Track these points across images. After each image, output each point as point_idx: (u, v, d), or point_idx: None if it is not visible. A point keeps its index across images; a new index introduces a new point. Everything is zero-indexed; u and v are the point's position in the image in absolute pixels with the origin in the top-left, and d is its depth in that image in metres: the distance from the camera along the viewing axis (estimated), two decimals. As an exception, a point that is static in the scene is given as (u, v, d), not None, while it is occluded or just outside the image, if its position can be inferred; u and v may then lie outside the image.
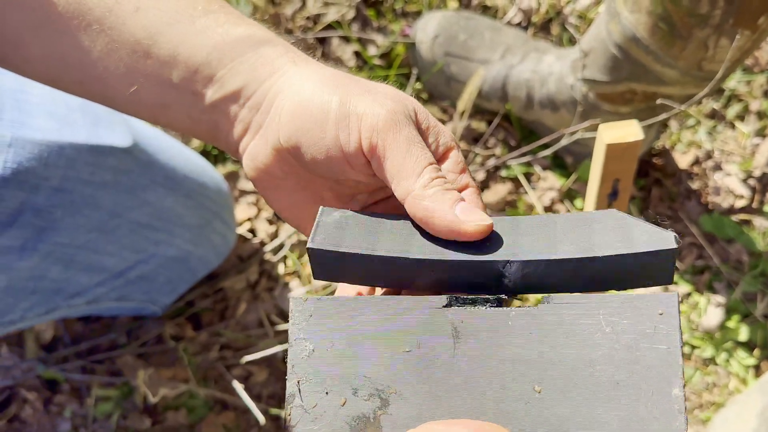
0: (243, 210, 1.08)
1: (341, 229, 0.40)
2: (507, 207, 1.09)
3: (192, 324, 1.03)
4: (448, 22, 1.09)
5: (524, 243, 0.37)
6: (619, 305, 0.34)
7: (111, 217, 0.79)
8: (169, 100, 0.47)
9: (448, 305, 0.37)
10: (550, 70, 1.03)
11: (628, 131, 0.66)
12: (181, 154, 0.87)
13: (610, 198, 0.72)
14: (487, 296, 0.37)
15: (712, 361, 1.02)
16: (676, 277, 1.06)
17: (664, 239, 0.35)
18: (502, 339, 0.35)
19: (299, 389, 0.37)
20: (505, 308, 0.36)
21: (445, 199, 0.38)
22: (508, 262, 0.37)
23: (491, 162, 1.09)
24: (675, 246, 0.34)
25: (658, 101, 0.83)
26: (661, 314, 0.33)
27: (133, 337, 1.02)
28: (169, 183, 0.83)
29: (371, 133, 0.40)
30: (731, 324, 1.02)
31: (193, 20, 0.45)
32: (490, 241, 0.38)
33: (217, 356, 1.00)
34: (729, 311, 1.03)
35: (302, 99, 0.42)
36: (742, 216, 1.09)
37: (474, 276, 0.38)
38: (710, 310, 1.03)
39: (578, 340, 0.34)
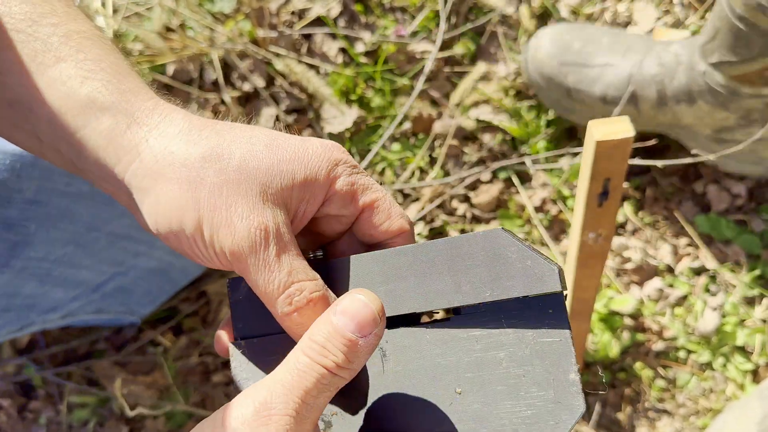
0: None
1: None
2: (499, 207, 1.06)
3: (172, 329, 1.00)
4: (559, 33, 1.03)
5: (433, 288, 0.40)
6: (517, 310, 0.38)
7: (88, 230, 0.75)
8: (45, 151, 0.45)
9: None
10: (678, 60, 0.96)
11: (619, 128, 0.63)
12: None
13: (600, 198, 0.69)
14: (401, 326, 0.41)
15: (708, 366, 0.99)
16: (671, 279, 1.03)
17: (546, 279, 0.37)
18: (423, 352, 0.40)
19: None
20: (421, 327, 0.40)
21: (296, 334, 0.40)
22: (421, 314, 0.41)
23: (486, 173, 1.06)
24: (559, 289, 0.36)
25: None
26: (551, 312, 0.37)
27: (110, 343, 0.98)
28: None
29: (230, 258, 0.40)
30: (728, 328, 0.99)
31: (42, 71, 0.43)
32: (397, 294, 0.41)
33: (197, 361, 0.97)
34: (726, 315, 1.00)
35: (158, 221, 0.41)
36: (740, 216, 1.06)
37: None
38: (707, 314, 1.00)
39: (486, 344, 0.38)
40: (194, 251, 0.41)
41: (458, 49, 1.11)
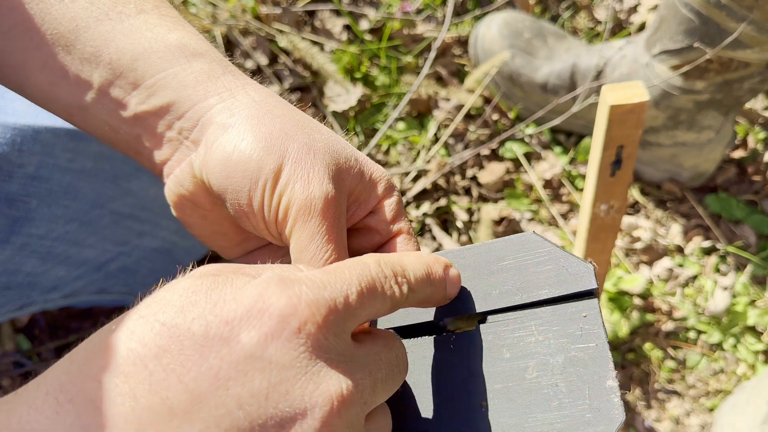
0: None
1: None
2: (505, 187, 1.05)
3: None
4: (513, 19, 1.05)
5: (458, 295, 0.38)
6: (548, 316, 0.36)
7: (91, 208, 0.74)
8: (88, 102, 0.43)
9: None
10: (623, 54, 0.98)
11: (634, 92, 0.62)
12: None
13: (613, 167, 0.67)
14: (426, 335, 0.38)
15: (719, 346, 0.97)
16: (681, 260, 1.01)
17: (582, 276, 0.36)
18: (447, 362, 0.37)
19: None
20: (445, 335, 0.38)
21: None
22: (442, 319, 0.39)
23: (494, 143, 1.04)
24: (595, 286, 0.35)
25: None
26: (585, 316, 0.35)
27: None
28: None
29: (286, 211, 0.39)
30: (739, 308, 0.97)
31: (122, 19, 0.42)
32: None
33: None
34: (736, 295, 0.98)
35: (236, 151, 0.40)
36: (750, 196, 1.04)
37: (410, 330, 0.40)
38: (717, 294, 0.98)
39: (515, 353, 0.36)
40: (249, 197, 0.39)
41: (467, 29, 1.09)
